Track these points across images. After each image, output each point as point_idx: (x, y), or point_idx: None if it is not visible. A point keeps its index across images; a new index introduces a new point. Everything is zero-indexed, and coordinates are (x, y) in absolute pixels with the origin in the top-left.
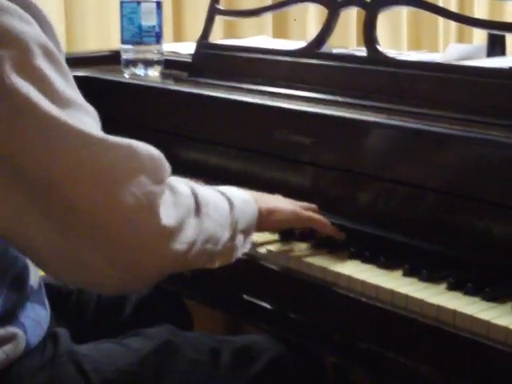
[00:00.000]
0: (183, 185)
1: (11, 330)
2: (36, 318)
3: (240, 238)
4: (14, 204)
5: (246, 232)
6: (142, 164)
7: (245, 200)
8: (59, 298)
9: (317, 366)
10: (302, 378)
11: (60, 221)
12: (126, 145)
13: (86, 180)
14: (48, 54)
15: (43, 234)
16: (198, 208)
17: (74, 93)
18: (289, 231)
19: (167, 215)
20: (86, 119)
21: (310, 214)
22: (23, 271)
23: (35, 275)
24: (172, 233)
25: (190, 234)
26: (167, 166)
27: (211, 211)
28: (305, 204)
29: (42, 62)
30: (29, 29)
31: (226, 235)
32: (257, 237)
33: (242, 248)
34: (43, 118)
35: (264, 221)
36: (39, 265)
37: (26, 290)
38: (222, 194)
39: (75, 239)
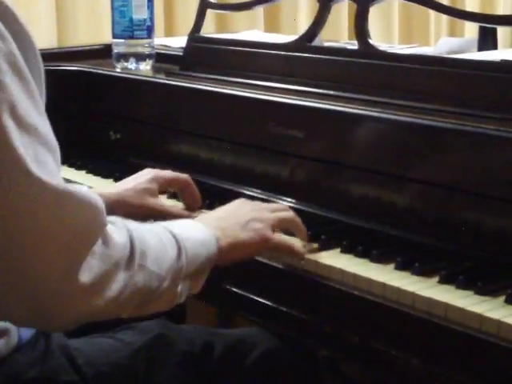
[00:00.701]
0: (122, 232)
1: (3, 324)
2: None
3: (186, 283)
4: None
5: (196, 276)
6: (79, 214)
7: (202, 241)
8: None
9: (310, 359)
10: (295, 371)
11: None
12: (68, 192)
13: (17, 220)
14: (17, 73)
15: None
16: (130, 261)
17: (38, 119)
18: None
19: (89, 270)
20: (43, 153)
21: (281, 243)
22: None
23: None
24: (89, 290)
25: (112, 289)
26: (105, 217)
27: (148, 261)
28: (274, 206)
29: (9, 79)
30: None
31: (164, 284)
32: None
33: (191, 291)
34: (7, 151)
35: (227, 257)
36: None
37: None
38: (172, 238)
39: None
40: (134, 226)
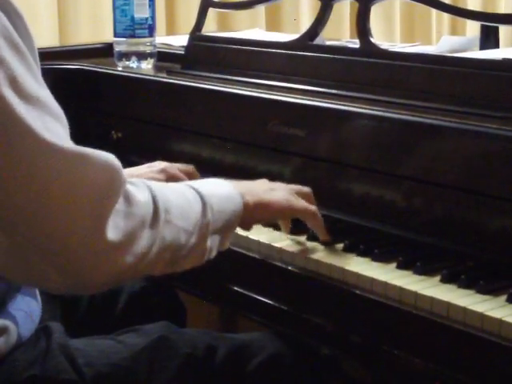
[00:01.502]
0: (143, 190)
1: (2, 322)
2: (27, 310)
3: (214, 238)
4: None
5: (224, 231)
6: (95, 174)
7: (227, 197)
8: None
9: (314, 365)
10: (298, 377)
11: (10, 226)
12: (81, 154)
13: (36, 186)
14: (13, 47)
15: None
16: (155, 216)
17: (40, 90)
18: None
19: (115, 228)
20: (50, 121)
21: (305, 206)
22: None
23: None
24: (118, 247)
25: (140, 246)
26: (123, 175)
27: (174, 217)
28: (298, 187)
29: (7, 54)
30: None
31: (192, 240)
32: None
33: (220, 247)
34: (6, 114)
35: (252, 215)
36: None
37: None
38: (196, 194)
39: (23, 244)
40: (156, 185)
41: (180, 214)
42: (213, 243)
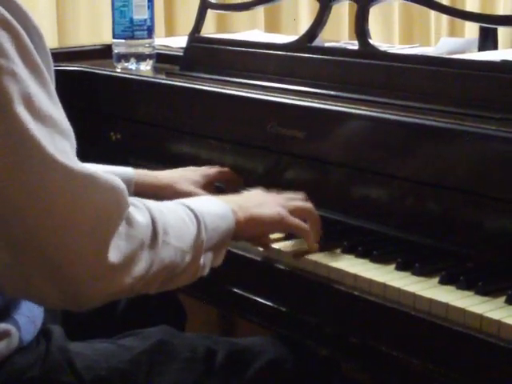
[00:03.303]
0: (144, 212)
1: (4, 326)
2: (30, 315)
3: (208, 255)
4: None
5: (218, 248)
6: (102, 196)
7: (220, 215)
8: None
9: (315, 370)
10: (299, 381)
11: (13, 243)
12: (89, 175)
13: (42, 203)
14: (30, 64)
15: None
16: (154, 238)
17: (53, 108)
18: None
19: (117, 250)
20: (60, 140)
21: (297, 223)
22: None
23: None
24: (117, 268)
25: (139, 267)
26: (127, 198)
27: (171, 238)
28: (291, 195)
29: (22, 71)
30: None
31: (187, 258)
32: None
33: (213, 263)
34: (15, 127)
35: (244, 231)
36: None
37: None
38: (191, 213)
39: (25, 260)
40: (154, 204)
41: (177, 234)
42: (206, 260)
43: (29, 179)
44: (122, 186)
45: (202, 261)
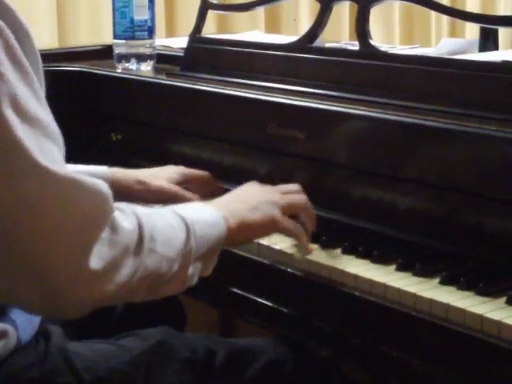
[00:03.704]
0: (130, 218)
1: (2, 326)
2: (27, 314)
3: (196, 265)
4: None
5: (207, 257)
6: (86, 202)
7: (210, 223)
8: None
9: (315, 371)
10: (299, 382)
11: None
12: (74, 180)
13: (25, 208)
14: (17, 65)
15: None
16: (139, 246)
17: (39, 109)
18: None
19: (99, 257)
20: (46, 143)
21: (290, 226)
22: None
23: None
24: (99, 276)
25: (122, 274)
26: (112, 204)
27: (158, 245)
28: (285, 188)
29: (9, 72)
30: None
31: (174, 267)
32: None
33: (202, 273)
34: (3, 132)
35: (236, 237)
36: None
37: None
38: (181, 220)
39: (8, 265)
40: (143, 210)
41: (164, 241)
42: (195, 270)
43: (12, 182)
44: (108, 190)
45: (190, 270)
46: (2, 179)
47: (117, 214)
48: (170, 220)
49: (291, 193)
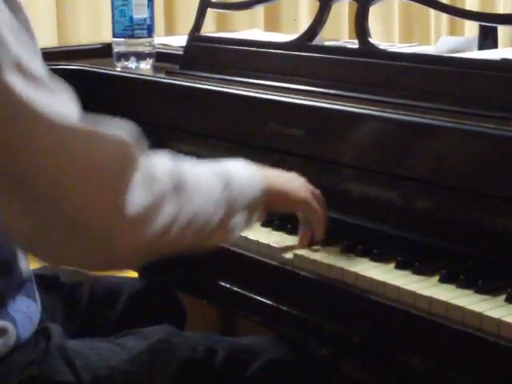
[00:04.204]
0: (165, 163)
1: (1, 323)
2: (26, 312)
3: (240, 216)
4: None
5: (249, 211)
6: (111, 150)
7: (248, 177)
8: (51, 293)
9: (315, 370)
10: (299, 381)
11: (32, 207)
12: (94, 131)
13: (52, 167)
14: (13, 27)
15: (16, 219)
16: (177, 189)
17: (43, 69)
18: (282, 223)
19: (137, 201)
20: (59, 98)
21: (319, 207)
22: (10, 257)
23: (24, 263)
24: (140, 220)
25: (163, 217)
26: (139, 148)
27: (196, 190)
28: (317, 192)
29: (7, 34)
30: None
31: (217, 215)
32: (249, 229)
33: (246, 226)
34: (7, 93)
35: (270, 201)
36: (22, 247)
37: (15, 277)
38: (219, 170)
39: (46, 224)
40: (177, 161)
41: (202, 188)
42: (238, 220)
43: (33, 146)
44: (130, 138)
45: (233, 220)
46: (24, 144)
47: (148, 161)
48: (207, 167)
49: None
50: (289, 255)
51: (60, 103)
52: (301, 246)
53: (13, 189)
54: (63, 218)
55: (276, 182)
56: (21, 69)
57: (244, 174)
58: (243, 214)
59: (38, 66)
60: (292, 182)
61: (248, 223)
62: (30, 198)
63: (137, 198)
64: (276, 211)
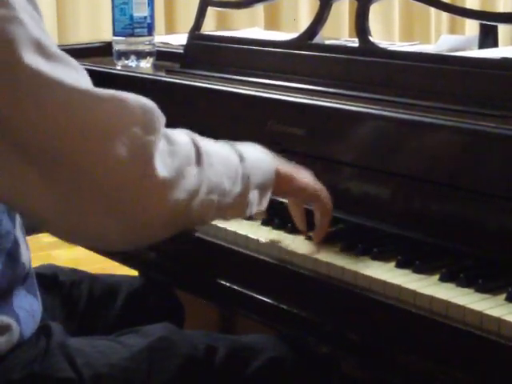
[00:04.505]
0: (183, 134)
1: (6, 320)
2: (29, 309)
3: (254, 193)
4: (10, 166)
5: (262, 188)
6: (133, 115)
7: (260, 158)
8: (50, 292)
9: (316, 369)
10: (299, 380)
11: (56, 178)
12: (117, 97)
13: (79, 134)
14: (28, 8)
15: (40, 193)
16: (198, 157)
17: (56, 47)
18: (282, 222)
19: (163, 165)
20: (74, 74)
21: (327, 198)
22: (15, 246)
23: (26, 255)
24: (168, 183)
25: (190, 182)
26: (160, 116)
27: (215, 162)
28: (323, 187)
29: (24, 15)
30: None
31: (236, 188)
32: (249, 228)
33: (259, 205)
34: (32, 75)
35: (280, 184)
36: (42, 225)
37: (19, 269)
38: (232, 147)
39: (72, 193)
40: (195, 135)
41: (221, 160)
42: (252, 197)
43: (60, 118)
44: (152, 104)
45: (250, 195)
46: (50, 119)
47: (169, 131)
48: (223, 144)
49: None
50: (288, 254)
51: (81, 75)
52: (317, 238)
53: (30, 160)
54: (90, 184)
55: (284, 165)
56: (40, 47)
57: (256, 153)
58: (258, 192)
59: (53, 44)
60: (299, 170)
61: (260, 203)
62: (49, 167)
63: (165, 160)
64: (282, 196)
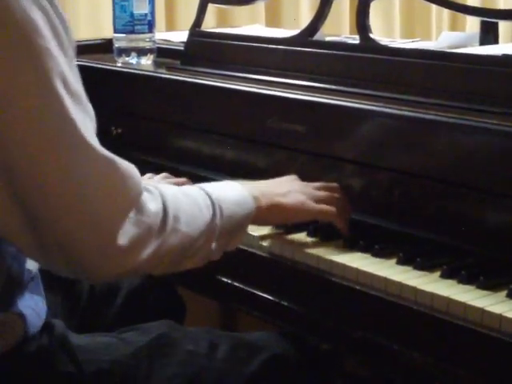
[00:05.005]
0: (156, 199)
1: (11, 317)
2: (35, 307)
3: (221, 241)
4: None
5: (233, 235)
6: (119, 184)
7: (238, 202)
8: (52, 289)
9: (318, 366)
10: (301, 377)
11: (33, 216)
12: (112, 164)
13: (63, 191)
14: (59, 41)
15: (18, 234)
16: (163, 225)
17: (80, 87)
18: None
19: (125, 234)
20: (88, 121)
21: (320, 209)
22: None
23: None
24: (125, 252)
25: (147, 251)
26: (142, 185)
27: (182, 225)
28: (322, 185)
29: (54, 48)
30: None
31: (198, 243)
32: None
33: (228, 247)
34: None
35: (266, 218)
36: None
37: (24, 273)
38: (208, 199)
39: (42, 234)
40: (170, 191)
41: (189, 221)
42: (218, 246)
43: (59, 156)
44: (138, 174)
45: (213, 246)
46: (50, 153)
47: (144, 196)
48: (196, 198)
49: (326, 189)
50: (290, 250)
51: (89, 124)
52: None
53: (19, 203)
54: (56, 230)
55: (269, 197)
56: (65, 82)
57: (235, 197)
58: (228, 238)
59: (77, 82)
60: (286, 194)
61: (232, 244)
62: (34, 199)
63: (128, 230)
64: (276, 224)
